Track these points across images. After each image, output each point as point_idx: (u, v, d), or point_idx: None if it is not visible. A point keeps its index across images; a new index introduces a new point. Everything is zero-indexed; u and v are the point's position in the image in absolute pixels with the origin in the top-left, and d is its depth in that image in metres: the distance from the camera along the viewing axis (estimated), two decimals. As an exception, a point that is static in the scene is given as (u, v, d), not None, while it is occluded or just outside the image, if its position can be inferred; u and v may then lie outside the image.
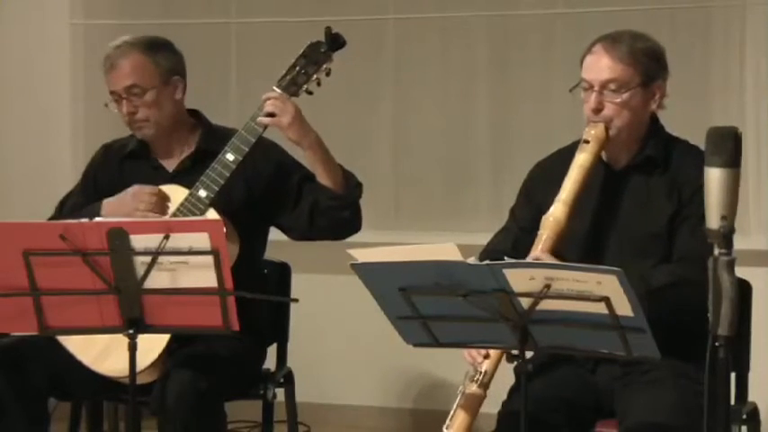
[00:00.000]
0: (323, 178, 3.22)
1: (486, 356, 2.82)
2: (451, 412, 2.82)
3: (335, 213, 3.22)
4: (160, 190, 3.17)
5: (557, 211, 2.88)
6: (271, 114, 3.15)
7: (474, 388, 2.81)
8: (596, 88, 2.94)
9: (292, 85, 3.19)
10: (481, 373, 2.82)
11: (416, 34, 4.67)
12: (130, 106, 3.24)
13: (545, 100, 4.48)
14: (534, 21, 4.55)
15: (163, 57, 3.27)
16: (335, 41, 3.20)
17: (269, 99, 3.16)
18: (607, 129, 2.94)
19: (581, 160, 2.92)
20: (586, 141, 2.93)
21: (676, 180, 2.96)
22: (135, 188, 3.18)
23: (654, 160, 2.99)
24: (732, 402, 2.81)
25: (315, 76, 3.19)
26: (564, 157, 3.05)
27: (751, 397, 3.07)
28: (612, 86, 2.93)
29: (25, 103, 5.01)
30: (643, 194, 2.99)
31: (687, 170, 2.90)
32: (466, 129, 4.66)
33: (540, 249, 2.85)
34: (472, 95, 4.63)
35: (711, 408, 2.37)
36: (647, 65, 2.96)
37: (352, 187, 3.25)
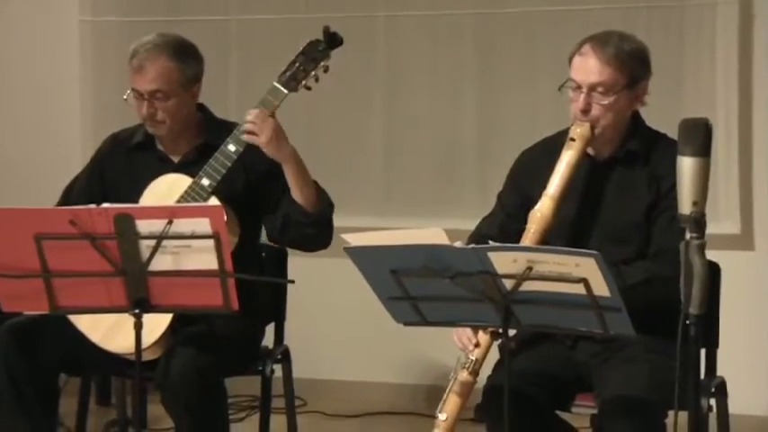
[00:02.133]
0: (295, 192, 3.17)
1: (477, 345, 2.82)
2: (444, 397, 2.82)
3: (302, 229, 3.19)
4: None
5: (544, 207, 2.87)
6: (251, 132, 3.12)
7: (465, 375, 2.81)
8: (584, 90, 2.91)
9: (292, 81, 3.17)
10: (472, 360, 2.81)
11: (407, 31, 4.66)
12: (151, 108, 3.20)
13: (529, 94, 4.48)
14: (518, 18, 4.54)
15: (188, 64, 3.22)
16: (333, 40, 3.19)
17: (248, 120, 3.11)
18: (593, 127, 2.92)
19: (568, 158, 2.90)
20: (572, 139, 2.92)
21: (655, 172, 2.95)
22: None
23: (635, 153, 2.99)
24: (702, 376, 2.83)
25: (313, 73, 3.17)
26: (549, 147, 3.05)
27: (719, 372, 3.08)
28: (600, 89, 2.90)
29: (36, 97, 4.99)
30: (624, 185, 2.99)
31: (666, 163, 2.87)
32: (454, 120, 4.65)
33: (527, 243, 2.85)
34: (460, 89, 4.62)
35: (683, 381, 2.39)
36: (633, 67, 2.93)
37: (323, 206, 3.21)
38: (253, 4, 4.77)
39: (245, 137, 3.13)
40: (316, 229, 3.20)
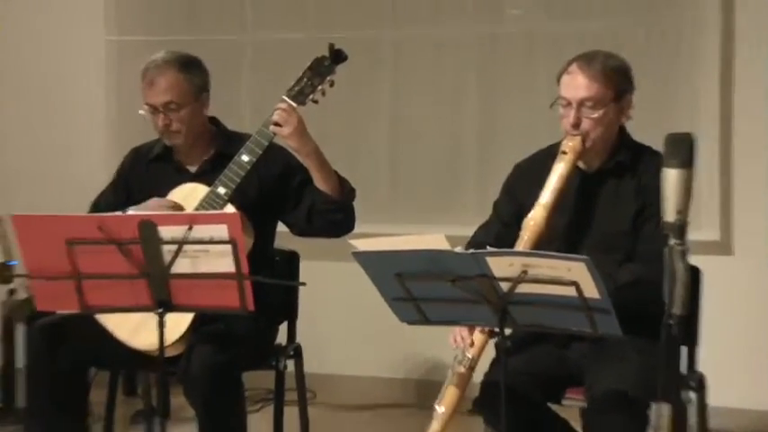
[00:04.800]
0: (319, 183, 3.21)
1: (472, 345, 2.83)
2: (442, 390, 2.83)
3: (330, 216, 3.23)
4: (175, 202, 3.19)
5: (537, 215, 2.89)
6: (276, 123, 3.18)
7: (462, 369, 2.82)
8: (574, 105, 2.93)
9: (300, 95, 3.19)
10: (469, 358, 2.83)
11: (411, 48, 4.67)
12: (166, 119, 3.24)
13: (527, 107, 4.48)
14: (518, 36, 4.56)
15: (196, 75, 3.27)
16: (338, 56, 3.21)
17: (278, 109, 3.18)
18: (583, 141, 2.94)
19: (560, 169, 2.92)
20: (564, 152, 2.93)
21: (641, 183, 2.97)
22: (154, 201, 3.19)
23: (623, 165, 3.01)
24: (683, 372, 2.84)
25: (320, 87, 3.19)
26: (541, 158, 3.07)
27: (699, 368, 3.11)
28: (589, 104, 2.93)
29: (63, 113, 5.01)
30: (613, 196, 3.00)
31: (652, 174, 2.87)
32: (455, 133, 4.66)
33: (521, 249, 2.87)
34: (461, 103, 4.63)
35: (665, 376, 2.41)
36: (619, 81, 2.95)
37: (346, 192, 3.25)
38: (267, 24, 4.80)
39: (272, 127, 3.16)
40: (342, 215, 3.24)
